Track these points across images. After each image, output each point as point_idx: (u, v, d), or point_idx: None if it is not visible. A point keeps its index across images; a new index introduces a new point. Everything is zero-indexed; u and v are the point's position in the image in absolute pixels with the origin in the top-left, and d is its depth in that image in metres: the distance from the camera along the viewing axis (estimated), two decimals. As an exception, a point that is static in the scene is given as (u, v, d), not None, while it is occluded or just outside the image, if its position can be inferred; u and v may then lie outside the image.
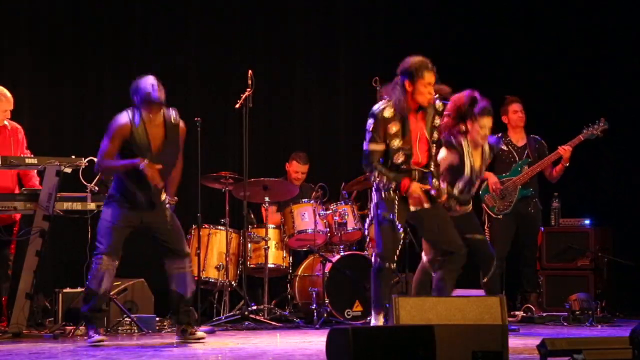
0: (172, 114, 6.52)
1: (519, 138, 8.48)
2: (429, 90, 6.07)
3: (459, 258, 6.34)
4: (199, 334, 6.67)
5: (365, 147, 6.16)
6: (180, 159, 6.66)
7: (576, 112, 9.36)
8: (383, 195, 6.18)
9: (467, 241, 7.23)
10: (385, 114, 6.09)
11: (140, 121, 6.39)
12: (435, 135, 6.24)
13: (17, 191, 7.27)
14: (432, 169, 6.23)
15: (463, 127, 6.91)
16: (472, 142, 6.95)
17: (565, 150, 8.11)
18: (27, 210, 6.94)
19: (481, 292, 7.69)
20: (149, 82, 6.39)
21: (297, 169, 9.00)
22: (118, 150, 6.39)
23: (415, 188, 6.14)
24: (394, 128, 6.09)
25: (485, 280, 7.23)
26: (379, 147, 6.11)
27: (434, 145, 6.25)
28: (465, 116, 6.92)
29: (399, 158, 6.11)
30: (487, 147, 7.10)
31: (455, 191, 6.96)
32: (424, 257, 6.99)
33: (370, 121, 6.13)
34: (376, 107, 6.19)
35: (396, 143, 6.10)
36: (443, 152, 6.91)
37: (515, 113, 8.45)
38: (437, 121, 6.23)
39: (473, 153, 6.95)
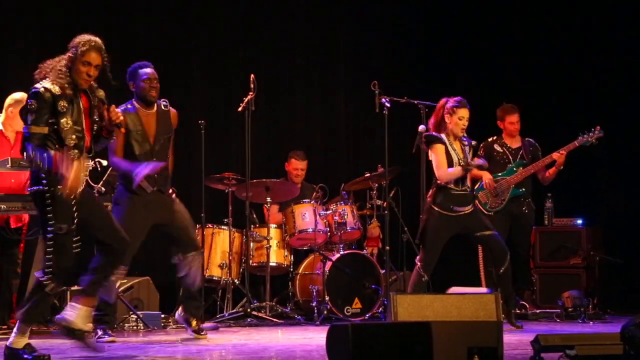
0: (162, 103, 6.66)
1: (513, 141, 8.50)
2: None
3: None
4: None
5: None
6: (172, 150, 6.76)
7: (570, 116, 9.43)
8: None
9: (479, 239, 7.38)
10: None
11: (134, 109, 6.57)
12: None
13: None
14: None
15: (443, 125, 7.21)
16: (451, 135, 7.26)
17: (559, 155, 8.12)
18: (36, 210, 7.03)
19: (477, 289, 7.82)
20: (149, 77, 6.54)
21: (296, 165, 9.03)
22: (122, 145, 6.49)
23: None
24: None
25: (500, 272, 7.28)
26: None
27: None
28: (444, 115, 7.23)
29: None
30: (464, 142, 7.34)
31: (451, 185, 7.21)
32: (418, 263, 7.24)
33: None
34: None
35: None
36: (431, 155, 7.28)
37: (511, 124, 8.44)
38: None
39: (455, 145, 7.25)
